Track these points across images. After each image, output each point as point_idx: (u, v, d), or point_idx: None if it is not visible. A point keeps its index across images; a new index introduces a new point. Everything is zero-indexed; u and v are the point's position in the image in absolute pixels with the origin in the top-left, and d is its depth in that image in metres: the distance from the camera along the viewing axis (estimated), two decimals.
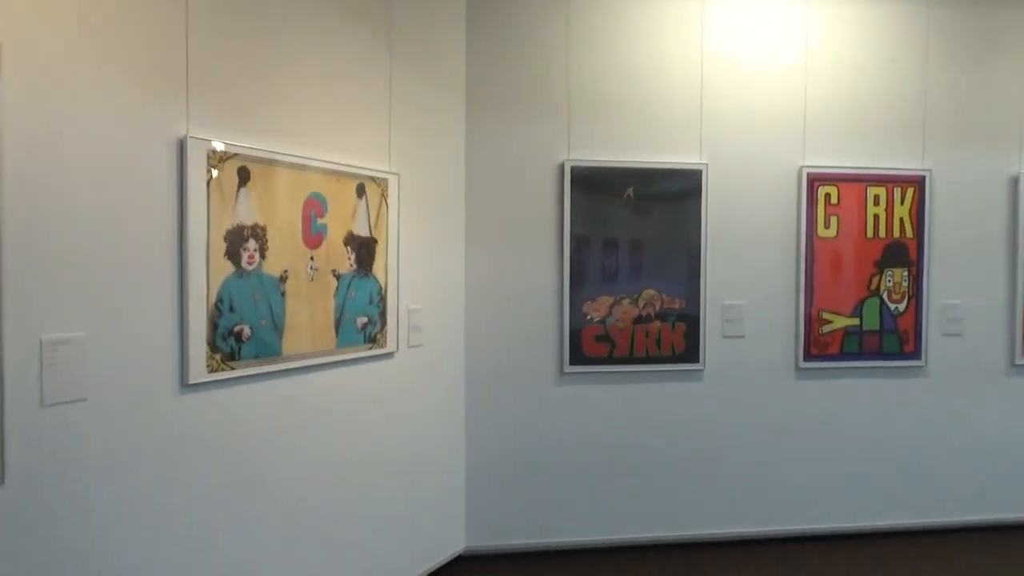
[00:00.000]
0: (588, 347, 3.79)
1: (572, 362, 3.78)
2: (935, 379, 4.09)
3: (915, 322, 4.04)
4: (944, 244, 4.07)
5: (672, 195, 3.84)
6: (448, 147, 3.64)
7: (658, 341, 3.84)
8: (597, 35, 3.81)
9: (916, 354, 4.05)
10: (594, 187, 3.78)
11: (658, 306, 3.84)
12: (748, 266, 3.93)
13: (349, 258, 2.92)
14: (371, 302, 3.04)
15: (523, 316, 3.78)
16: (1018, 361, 4.13)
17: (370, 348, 3.03)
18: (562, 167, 3.76)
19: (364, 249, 3.00)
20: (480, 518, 3.77)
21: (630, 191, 3.80)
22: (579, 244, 3.78)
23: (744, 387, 3.95)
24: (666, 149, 3.86)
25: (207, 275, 2.31)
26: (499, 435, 3.78)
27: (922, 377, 4.08)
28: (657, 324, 3.84)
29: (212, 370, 2.32)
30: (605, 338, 3.80)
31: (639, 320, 3.83)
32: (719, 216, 3.89)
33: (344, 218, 2.89)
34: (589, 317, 3.79)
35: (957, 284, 4.10)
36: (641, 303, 3.83)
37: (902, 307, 4.03)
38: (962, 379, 4.11)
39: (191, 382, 2.26)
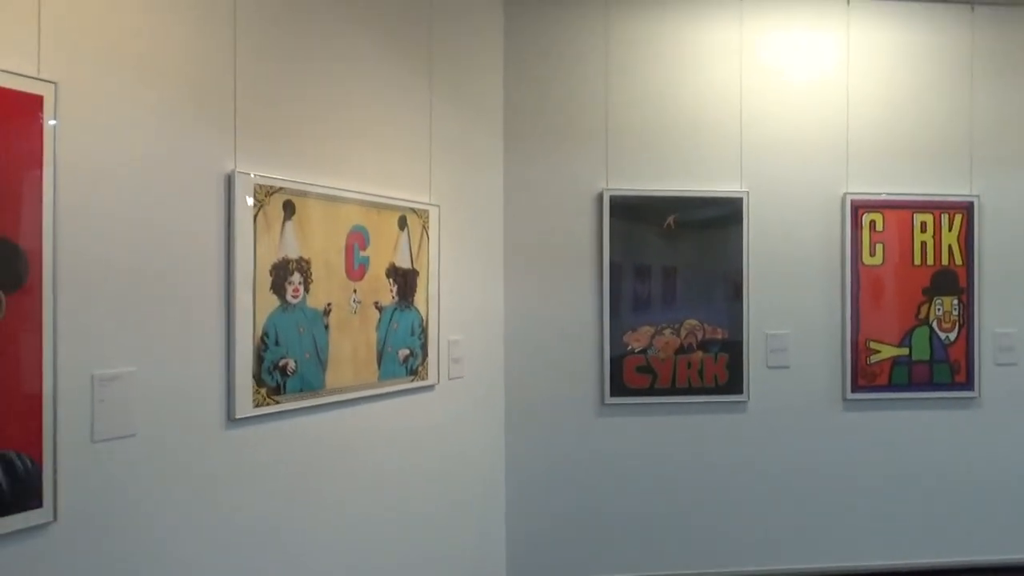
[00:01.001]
0: (629, 378, 3.73)
1: (613, 393, 3.73)
2: (989, 411, 3.95)
3: (967, 352, 3.93)
4: (995, 271, 3.96)
5: (713, 223, 3.80)
6: (487, 178, 3.65)
7: (700, 372, 3.78)
8: (635, 65, 3.81)
9: (968, 385, 3.93)
10: (633, 216, 3.75)
11: (700, 336, 3.78)
12: (792, 295, 3.86)
13: (391, 290, 2.91)
14: (413, 334, 3.02)
15: (563, 347, 3.74)
16: None
17: (412, 380, 3.01)
18: (601, 196, 3.74)
19: (406, 281, 2.99)
20: (521, 555, 3.70)
21: (672, 219, 3.77)
22: (619, 273, 3.74)
23: (790, 419, 3.85)
24: (706, 177, 3.82)
25: (253, 309, 2.31)
26: (539, 468, 3.72)
27: (975, 408, 3.95)
28: (699, 354, 3.78)
29: (258, 404, 2.31)
30: (646, 369, 3.75)
31: (681, 350, 3.76)
32: (761, 244, 3.83)
33: (386, 250, 2.89)
34: (630, 347, 3.74)
35: (1010, 312, 3.98)
36: (683, 333, 3.77)
37: (953, 336, 3.92)
38: (1019, 411, 3.97)
39: (238, 416, 2.25)
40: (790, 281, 3.85)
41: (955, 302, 3.92)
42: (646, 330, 3.75)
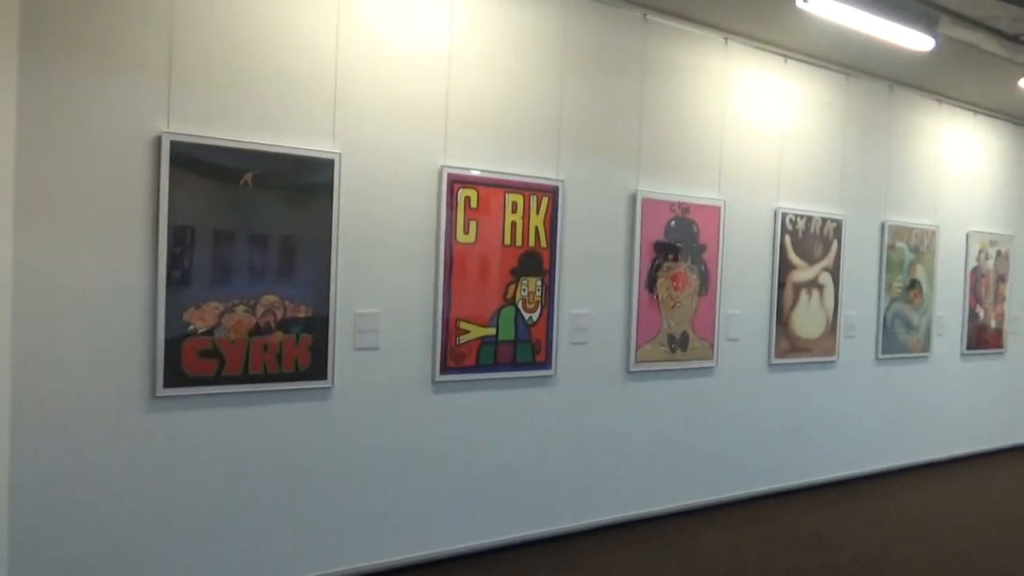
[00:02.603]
0: (189, 364, 3.09)
1: (168, 383, 3.05)
2: (562, 387, 4.14)
3: (547, 331, 4.05)
4: (573, 254, 4.15)
5: (300, 186, 3.32)
6: None
7: (279, 355, 3.29)
8: None
9: (547, 364, 4.06)
10: (203, 169, 3.10)
11: (280, 314, 3.29)
12: (384, 271, 3.57)
13: None
14: None
15: (100, 326, 2.95)
16: (632, 368, 4.38)
17: None
18: (159, 141, 3.02)
19: None
20: None
21: (248, 177, 3.20)
22: (181, 238, 3.07)
23: (377, 404, 3.58)
24: (294, 132, 3.33)
25: None
26: (61, 483, 2.89)
27: (551, 386, 4.11)
28: (279, 336, 3.29)
29: None
30: (212, 353, 3.14)
31: (256, 331, 3.23)
32: (353, 213, 3.47)
33: None
34: (192, 327, 3.09)
35: (584, 294, 4.21)
36: (259, 311, 3.24)
37: (535, 316, 4.01)
38: (585, 386, 4.24)
39: None
40: (383, 256, 3.56)
41: (539, 283, 4.01)
42: (213, 307, 3.14)
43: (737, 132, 4.84)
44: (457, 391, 3.79)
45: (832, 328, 5.43)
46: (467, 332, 3.78)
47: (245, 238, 3.20)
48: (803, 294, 5.24)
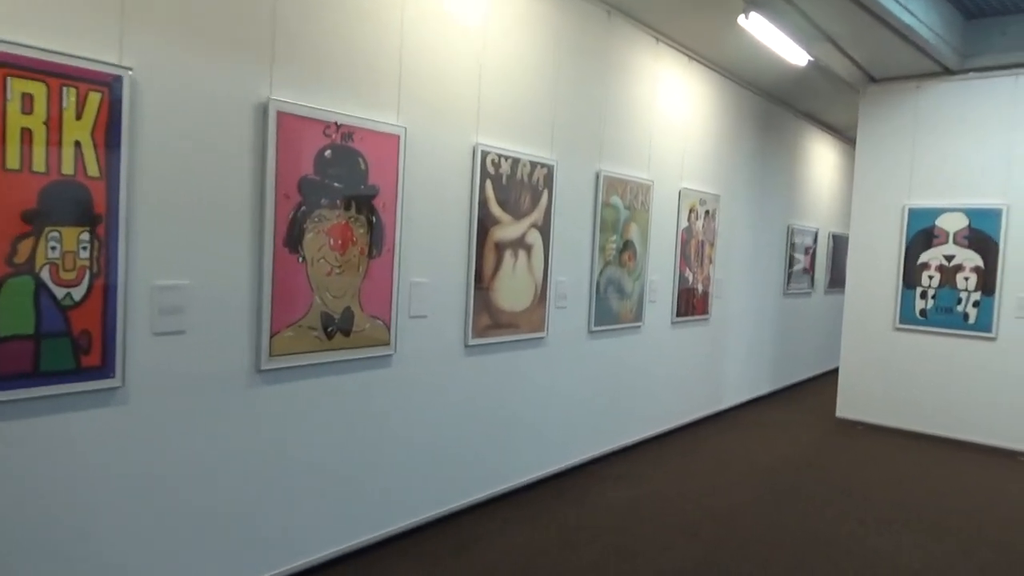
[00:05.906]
0: None
1: None
2: (138, 405, 2.59)
3: (102, 317, 2.46)
4: (156, 191, 2.58)
5: None
6: None
7: None
8: None
9: (106, 370, 2.48)
10: None
11: None
12: None
13: None
14: None
15: None
16: (264, 367, 2.96)
17: None
18: None
19: None
20: None
21: None
22: None
23: None
24: None
25: None
26: None
27: (117, 405, 2.54)
28: None
29: None
30: None
31: None
32: None
33: None
34: None
35: (177, 255, 2.67)
36: None
37: (79, 293, 2.40)
38: (183, 399, 2.72)
39: None
40: None
41: (84, 237, 2.40)
42: None
43: (423, 35, 3.56)
44: None
45: (542, 298, 4.47)
46: None
47: None
48: (508, 256, 4.18)
